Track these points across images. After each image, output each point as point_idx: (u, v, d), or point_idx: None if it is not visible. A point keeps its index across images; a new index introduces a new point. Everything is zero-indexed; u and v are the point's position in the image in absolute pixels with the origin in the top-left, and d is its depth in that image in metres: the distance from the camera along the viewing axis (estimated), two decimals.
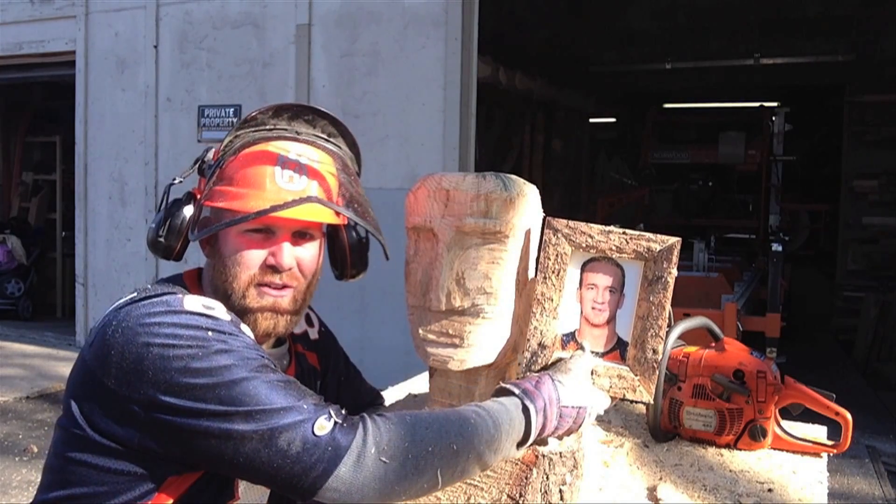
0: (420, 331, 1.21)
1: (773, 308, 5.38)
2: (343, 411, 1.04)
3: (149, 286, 1.17)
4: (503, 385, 1.14)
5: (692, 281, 5.96)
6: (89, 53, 6.96)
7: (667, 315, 1.18)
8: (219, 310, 1.11)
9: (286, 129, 1.21)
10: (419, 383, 1.72)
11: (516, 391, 1.11)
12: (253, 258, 1.17)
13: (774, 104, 9.28)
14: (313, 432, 1.00)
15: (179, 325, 1.05)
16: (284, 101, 1.22)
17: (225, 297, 1.18)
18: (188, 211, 1.21)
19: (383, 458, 1.00)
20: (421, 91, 5.53)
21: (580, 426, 1.15)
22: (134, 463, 1.07)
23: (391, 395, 1.57)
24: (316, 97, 5.86)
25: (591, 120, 11.62)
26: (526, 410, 1.09)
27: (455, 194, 1.17)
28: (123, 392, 1.04)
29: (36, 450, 4.68)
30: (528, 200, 1.21)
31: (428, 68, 5.50)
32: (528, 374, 1.21)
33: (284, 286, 1.20)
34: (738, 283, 6.20)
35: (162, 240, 1.20)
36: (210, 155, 1.22)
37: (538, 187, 1.27)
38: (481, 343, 1.19)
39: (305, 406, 1.02)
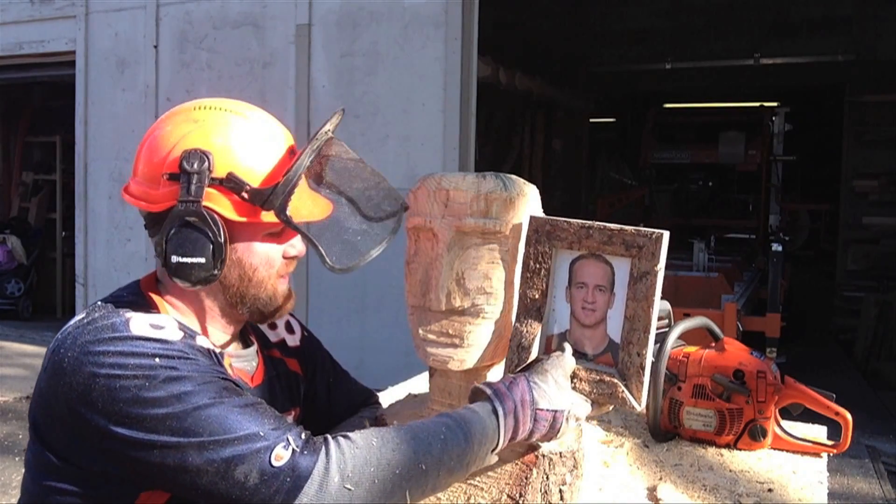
0: (420, 331, 1.20)
1: (773, 308, 5.38)
2: (303, 436, 1.01)
3: (99, 302, 1.14)
4: (477, 386, 1.12)
5: (692, 281, 5.97)
6: (89, 53, 6.95)
7: (654, 315, 1.11)
8: (169, 329, 1.07)
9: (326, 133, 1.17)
10: (419, 383, 1.72)
11: (488, 392, 1.09)
12: (278, 256, 1.19)
13: (774, 104, 9.27)
14: (270, 462, 0.97)
15: (124, 353, 1.02)
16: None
17: (253, 300, 1.17)
18: (223, 234, 1.10)
19: (348, 486, 0.97)
20: (421, 91, 5.53)
21: (558, 432, 1.10)
22: (102, 485, 1.06)
23: (391, 395, 1.57)
24: (316, 97, 5.86)
25: (591, 120, 11.62)
26: (495, 413, 1.07)
27: (455, 194, 1.17)
28: (76, 421, 1.03)
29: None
30: (528, 200, 1.21)
31: (428, 68, 5.50)
32: (506, 374, 1.19)
33: (292, 270, 1.23)
34: (738, 283, 6.20)
35: (217, 272, 1.11)
36: (208, 164, 1.09)
37: (538, 187, 1.27)
38: (481, 343, 1.19)
39: (262, 433, 0.99)
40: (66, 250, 8.42)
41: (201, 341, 1.11)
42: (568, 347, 1.17)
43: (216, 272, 1.11)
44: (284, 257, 1.20)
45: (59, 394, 1.04)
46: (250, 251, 1.16)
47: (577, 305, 1.19)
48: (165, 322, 1.09)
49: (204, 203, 1.09)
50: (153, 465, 1.00)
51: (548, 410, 1.09)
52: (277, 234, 1.18)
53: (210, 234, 1.09)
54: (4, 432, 5.08)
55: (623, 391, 1.12)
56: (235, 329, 1.24)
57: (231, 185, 1.11)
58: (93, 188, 7.03)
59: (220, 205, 1.11)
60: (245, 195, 1.11)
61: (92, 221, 7.05)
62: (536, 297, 1.20)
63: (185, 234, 1.09)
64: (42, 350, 7.07)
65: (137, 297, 1.17)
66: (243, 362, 1.25)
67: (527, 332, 1.20)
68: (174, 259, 1.10)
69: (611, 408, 1.19)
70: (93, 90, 6.95)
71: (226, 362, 1.14)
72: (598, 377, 1.15)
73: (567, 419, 1.10)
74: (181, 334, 1.08)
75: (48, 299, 8.81)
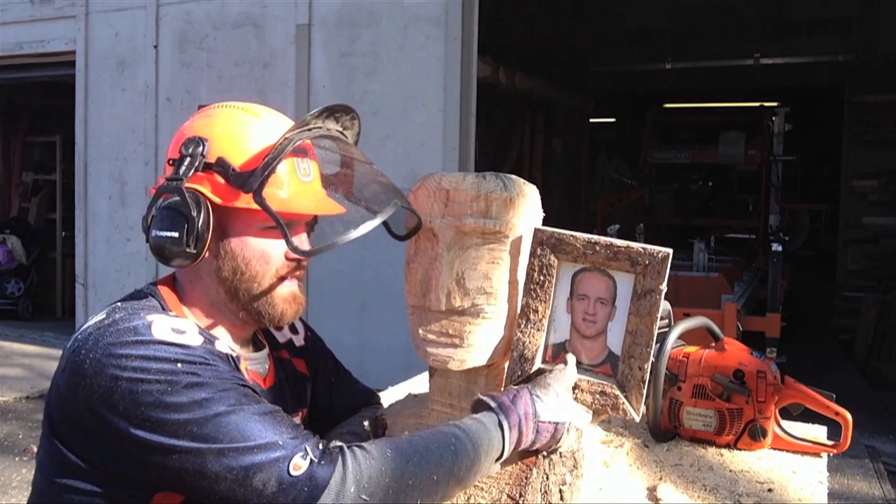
0: (420, 331, 1.20)
1: (773, 308, 5.38)
2: (320, 446, 1.02)
3: (118, 304, 1.14)
4: (481, 397, 1.13)
5: (692, 281, 5.96)
6: (89, 53, 6.95)
7: (656, 330, 1.14)
8: (189, 334, 1.08)
9: (320, 128, 1.19)
10: (419, 383, 1.72)
11: (493, 404, 1.10)
12: (276, 253, 1.18)
13: (774, 104, 9.27)
14: (289, 472, 0.98)
15: (147, 357, 1.02)
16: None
17: (247, 297, 1.17)
18: (204, 214, 1.11)
19: (363, 496, 0.99)
20: (421, 91, 5.53)
21: (558, 442, 1.13)
22: (118, 485, 1.06)
23: (391, 395, 1.57)
24: (316, 97, 5.86)
25: (591, 120, 11.61)
26: (501, 426, 1.08)
27: (455, 194, 1.17)
28: (96, 422, 1.03)
29: (36, 450, 4.67)
30: (528, 200, 1.21)
31: (428, 68, 5.50)
32: (509, 385, 1.20)
33: (299, 274, 1.22)
34: (738, 283, 6.20)
35: (191, 249, 1.10)
36: (203, 149, 1.13)
37: (538, 187, 1.27)
38: (481, 343, 1.19)
39: (281, 442, 1.00)
40: (66, 250, 8.42)
41: (220, 346, 1.12)
42: (571, 359, 1.19)
43: (190, 249, 1.10)
44: (287, 258, 1.19)
45: (78, 394, 1.04)
46: (244, 244, 1.16)
47: (577, 317, 1.20)
48: (186, 326, 1.09)
49: (188, 184, 1.11)
50: (172, 469, 1.00)
51: (550, 423, 1.11)
52: (277, 230, 1.17)
53: (185, 210, 1.10)
54: (4, 432, 5.08)
55: (623, 402, 1.15)
56: (245, 332, 1.25)
57: (219, 168, 1.13)
58: (93, 188, 7.03)
59: (203, 186, 1.12)
60: (230, 178, 1.13)
61: (92, 221, 7.05)
62: (539, 308, 1.21)
63: (166, 210, 1.12)
64: (42, 350, 7.10)
65: (156, 298, 1.17)
66: (256, 365, 1.25)
67: (529, 342, 1.21)
68: (153, 233, 1.12)
69: (608, 416, 1.21)
70: (93, 90, 6.95)
71: (242, 366, 1.15)
72: (599, 388, 1.17)
73: (568, 430, 1.13)
74: (202, 339, 1.09)
75: (48, 299, 8.81)
